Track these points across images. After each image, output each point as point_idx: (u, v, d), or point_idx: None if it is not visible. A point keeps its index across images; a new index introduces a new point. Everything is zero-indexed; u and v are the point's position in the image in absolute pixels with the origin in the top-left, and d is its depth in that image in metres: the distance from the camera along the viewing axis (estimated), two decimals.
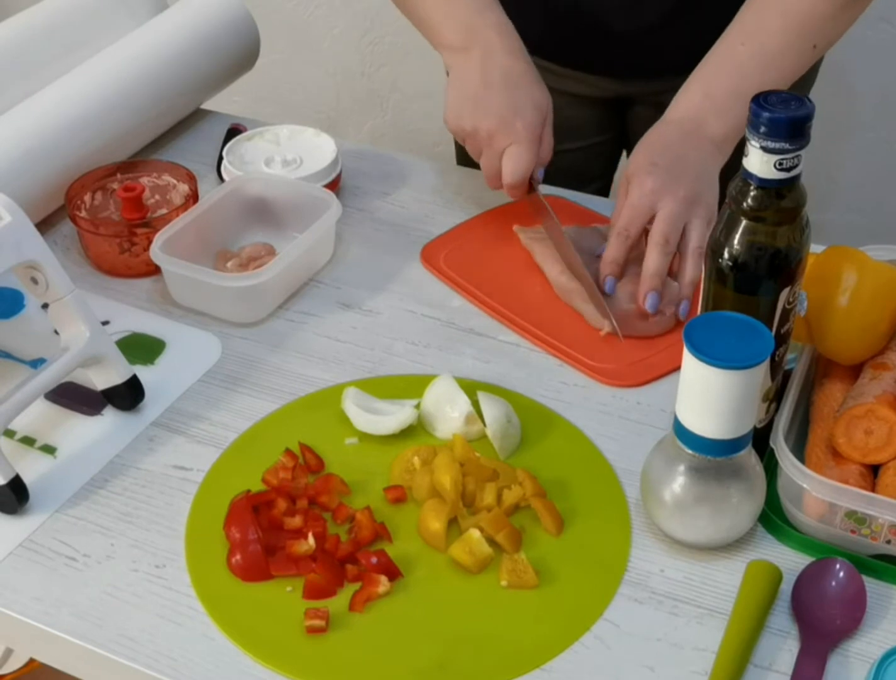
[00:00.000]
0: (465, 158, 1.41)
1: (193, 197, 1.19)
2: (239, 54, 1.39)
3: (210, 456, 0.97)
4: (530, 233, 1.18)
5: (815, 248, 0.91)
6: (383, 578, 0.85)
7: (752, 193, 0.83)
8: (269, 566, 0.87)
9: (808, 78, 1.34)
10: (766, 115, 0.80)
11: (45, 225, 1.20)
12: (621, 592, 0.86)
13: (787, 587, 0.85)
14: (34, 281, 0.95)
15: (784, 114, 0.80)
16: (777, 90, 0.82)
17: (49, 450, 0.98)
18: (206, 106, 1.42)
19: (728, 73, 1.12)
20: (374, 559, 0.86)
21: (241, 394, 1.03)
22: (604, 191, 1.51)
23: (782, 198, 0.83)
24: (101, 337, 0.98)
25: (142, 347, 1.07)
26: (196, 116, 1.40)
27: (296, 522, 0.89)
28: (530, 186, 1.14)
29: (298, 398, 1.02)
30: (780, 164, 0.81)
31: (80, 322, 0.96)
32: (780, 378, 0.92)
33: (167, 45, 1.31)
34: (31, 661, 1.53)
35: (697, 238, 1.08)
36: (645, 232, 1.09)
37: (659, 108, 1.17)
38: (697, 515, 0.86)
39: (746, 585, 0.85)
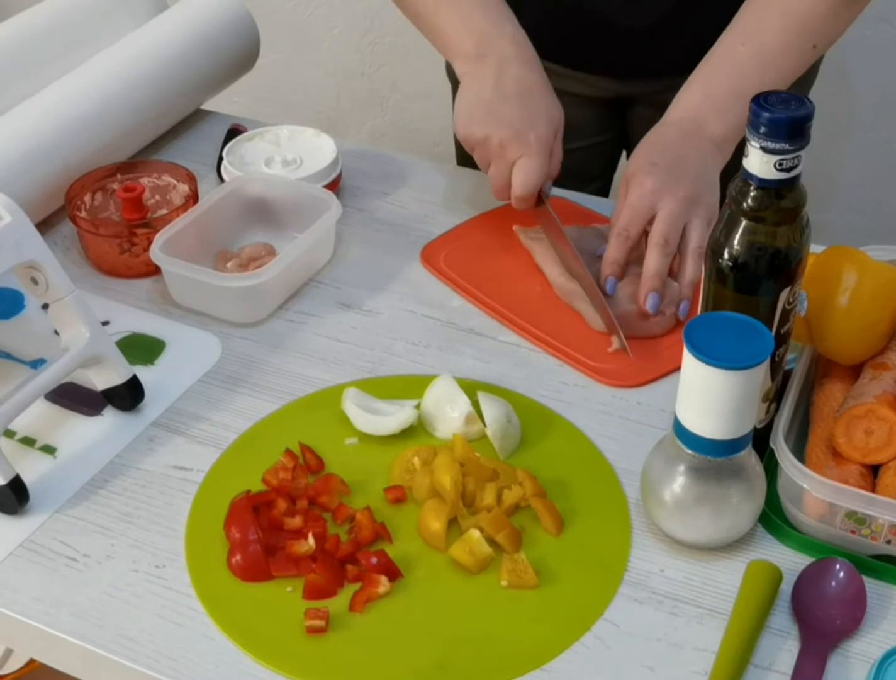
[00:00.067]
0: (465, 159, 1.41)
1: (193, 197, 1.19)
2: (239, 54, 1.39)
3: (210, 456, 0.97)
4: (530, 233, 1.18)
5: (815, 248, 0.91)
6: (383, 579, 0.85)
7: (752, 194, 0.83)
8: (269, 566, 0.87)
9: (807, 78, 1.34)
10: (766, 115, 0.80)
11: (45, 225, 1.20)
12: (621, 592, 0.86)
13: (787, 587, 0.85)
14: (34, 281, 0.95)
15: (784, 114, 0.80)
16: (777, 90, 0.82)
17: (49, 450, 0.98)
18: (206, 106, 1.42)
19: (728, 74, 1.12)
20: (374, 559, 0.86)
21: (242, 394, 1.03)
22: (604, 191, 1.51)
23: (782, 198, 0.83)
24: (102, 337, 0.98)
25: (142, 348, 1.07)
26: (196, 117, 1.40)
27: (296, 522, 0.89)
28: (538, 199, 1.14)
29: (298, 398, 1.02)
30: (780, 164, 0.81)
31: (80, 322, 0.96)
32: (780, 378, 0.92)
33: (167, 45, 1.31)
34: (31, 661, 1.53)
35: (697, 238, 1.08)
36: (645, 232, 1.09)
37: (659, 108, 1.17)
38: (697, 516, 0.86)
39: (746, 585, 0.85)
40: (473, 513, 0.90)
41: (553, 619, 0.84)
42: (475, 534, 0.87)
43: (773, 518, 0.89)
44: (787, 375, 0.93)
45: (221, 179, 1.26)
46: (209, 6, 1.35)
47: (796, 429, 0.92)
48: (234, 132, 1.34)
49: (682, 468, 0.85)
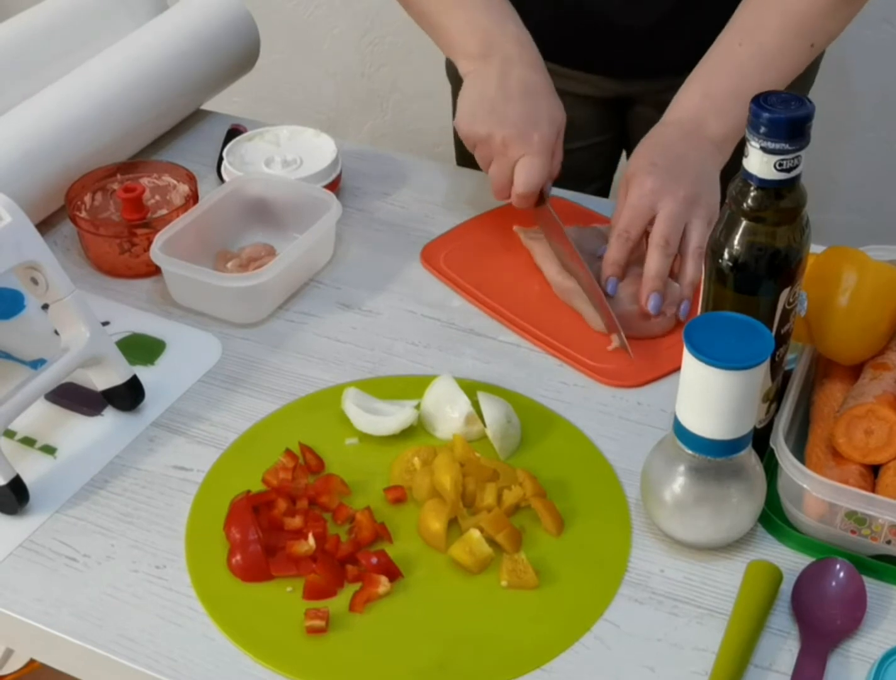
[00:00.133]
0: (465, 159, 1.41)
1: (193, 197, 1.19)
2: (239, 54, 1.39)
3: (210, 456, 0.97)
4: (531, 233, 1.18)
5: (815, 248, 0.91)
6: (383, 579, 0.85)
7: (751, 194, 0.83)
8: (269, 567, 0.87)
9: (807, 78, 1.34)
10: (766, 115, 0.80)
11: (45, 225, 1.20)
12: (621, 592, 0.86)
13: (787, 587, 0.85)
14: (34, 281, 0.95)
15: (784, 114, 0.80)
16: (777, 90, 0.82)
17: (49, 450, 0.98)
18: (206, 106, 1.42)
19: (727, 73, 1.12)
20: (374, 559, 0.86)
21: (242, 394, 1.03)
22: (604, 191, 1.51)
23: (782, 198, 0.83)
24: (102, 337, 0.98)
25: (142, 348, 1.07)
26: (196, 117, 1.40)
27: (296, 522, 0.89)
28: (539, 199, 1.14)
29: (298, 399, 1.02)
30: (780, 164, 0.81)
31: (80, 323, 0.96)
32: (780, 378, 0.92)
33: (167, 45, 1.31)
34: (32, 661, 1.53)
35: (698, 238, 1.08)
36: (646, 233, 1.09)
37: (659, 107, 1.17)
38: (697, 516, 0.86)
39: (746, 585, 0.85)
40: (473, 513, 0.90)
41: (553, 619, 0.84)
42: (475, 534, 0.87)
43: (773, 518, 0.89)
44: (787, 375, 0.93)
45: (221, 179, 1.26)
46: (209, 6, 1.35)
47: (796, 429, 0.92)
48: (234, 132, 1.34)
49: (682, 468, 0.85)
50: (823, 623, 0.83)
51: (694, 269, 1.07)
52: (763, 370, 0.83)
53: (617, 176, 1.51)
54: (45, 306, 0.97)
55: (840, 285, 0.92)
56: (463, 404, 0.97)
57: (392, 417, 0.97)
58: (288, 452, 0.95)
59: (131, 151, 1.29)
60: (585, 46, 1.32)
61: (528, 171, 1.11)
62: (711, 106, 1.11)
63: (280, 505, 0.90)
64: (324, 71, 2.45)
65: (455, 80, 1.44)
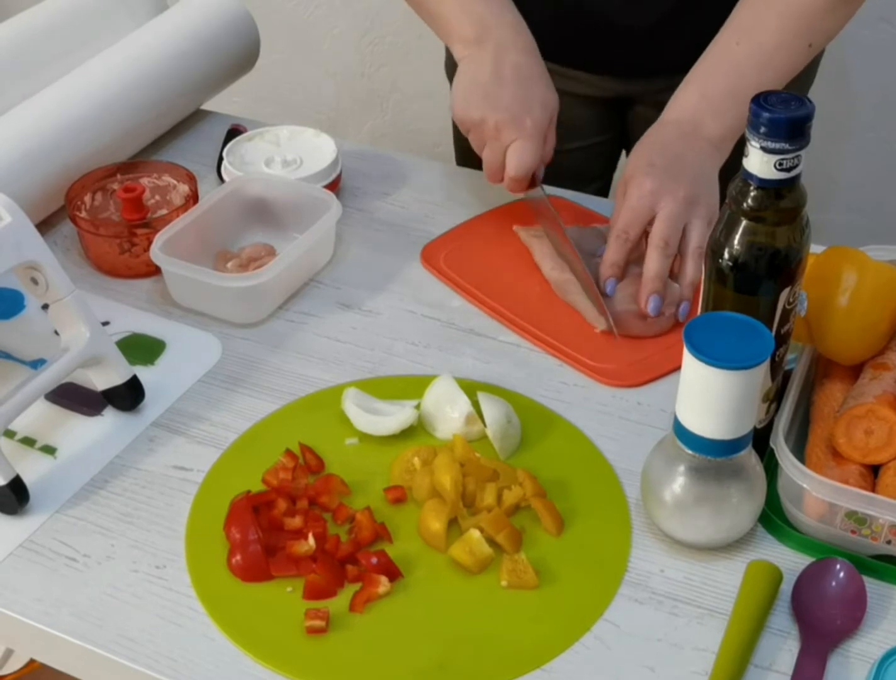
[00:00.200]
0: (465, 159, 1.41)
1: (193, 197, 1.19)
2: (239, 54, 1.39)
3: (210, 456, 0.97)
4: (531, 232, 1.18)
5: (815, 248, 0.91)
6: (383, 579, 0.85)
7: (751, 194, 0.83)
8: (269, 567, 0.87)
9: (806, 78, 1.34)
10: (765, 115, 0.80)
11: (45, 225, 1.20)
12: (621, 592, 0.86)
13: (787, 587, 0.85)
14: (34, 281, 0.95)
15: (784, 114, 0.80)
16: (777, 90, 0.82)
17: (49, 450, 0.98)
18: (206, 106, 1.42)
19: (725, 73, 1.12)
20: (374, 560, 0.86)
21: (242, 394, 1.03)
22: (604, 191, 1.51)
23: (782, 198, 0.83)
24: (102, 337, 0.98)
25: (142, 348, 1.07)
26: (196, 117, 1.40)
27: (296, 522, 0.89)
28: (531, 182, 1.15)
29: (298, 399, 1.02)
30: (780, 164, 0.81)
31: (80, 323, 0.96)
32: (780, 378, 0.92)
33: (167, 45, 1.31)
34: (32, 661, 1.53)
35: (697, 239, 1.08)
36: (645, 233, 1.09)
37: (659, 107, 1.17)
38: (697, 516, 0.86)
39: (746, 585, 0.85)
40: (473, 513, 0.90)
41: (553, 619, 0.84)
42: (475, 534, 0.87)
43: (773, 518, 0.89)
44: (787, 375, 0.93)
45: (221, 179, 1.26)
46: (209, 6, 1.35)
47: (796, 429, 0.92)
48: (234, 132, 1.34)
49: (682, 468, 0.85)
50: (823, 623, 0.82)
51: (694, 269, 1.07)
52: (763, 370, 0.83)
53: (617, 176, 1.51)
54: (45, 306, 0.97)
55: (840, 285, 0.92)
56: (463, 404, 0.97)
57: (392, 417, 0.97)
58: (288, 452, 0.95)
59: (131, 151, 1.29)
60: (585, 46, 1.32)
61: (521, 154, 1.11)
62: (709, 106, 1.12)
63: (280, 505, 0.90)
64: (324, 71, 2.45)
65: (454, 77, 1.44)
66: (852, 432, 0.88)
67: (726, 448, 0.84)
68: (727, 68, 1.12)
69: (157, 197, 1.21)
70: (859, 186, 2.17)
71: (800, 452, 0.91)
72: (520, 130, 1.11)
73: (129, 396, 1.00)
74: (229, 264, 1.14)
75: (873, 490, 0.86)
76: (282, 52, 2.39)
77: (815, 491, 0.85)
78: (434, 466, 0.92)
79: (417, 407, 0.98)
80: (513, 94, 1.12)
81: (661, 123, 1.14)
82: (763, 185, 0.82)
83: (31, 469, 0.95)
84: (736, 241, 0.85)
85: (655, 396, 1.02)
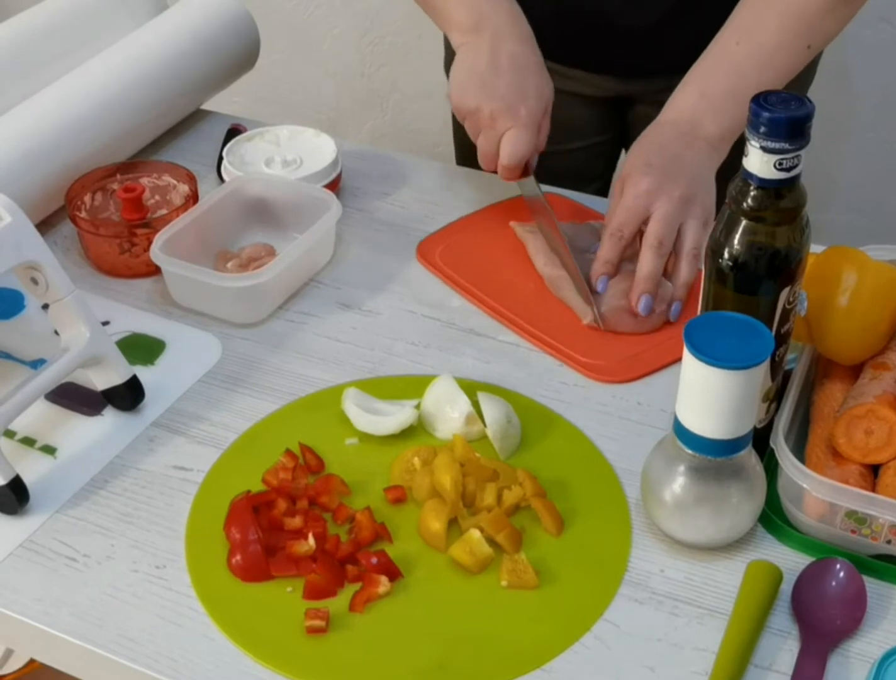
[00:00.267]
0: (465, 158, 1.41)
1: (193, 197, 1.19)
2: (239, 54, 1.39)
3: (210, 456, 0.97)
4: (526, 227, 1.18)
5: (815, 248, 0.91)
6: (383, 579, 0.85)
7: (751, 193, 0.83)
8: (269, 567, 0.87)
9: (806, 78, 1.34)
10: (765, 115, 0.80)
11: (45, 225, 1.20)
12: (621, 592, 0.86)
13: (787, 587, 0.85)
14: (34, 281, 0.95)
15: (784, 114, 0.80)
16: (777, 90, 0.82)
17: (49, 450, 0.98)
18: (206, 106, 1.42)
19: (724, 73, 1.12)
20: (374, 559, 0.86)
21: (242, 394, 1.03)
22: (604, 191, 1.51)
23: (782, 198, 0.83)
24: (102, 337, 0.98)
25: (142, 348, 1.07)
26: (196, 117, 1.40)
27: (296, 522, 0.89)
28: (525, 171, 1.15)
29: (298, 399, 1.02)
30: (780, 164, 0.81)
31: (80, 323, 0.96)
32: (780, 378, 0.92)
33: (167, 45, 1.31)
34: (32, 661, 1.53)
35: (692, 239, 1.08)
36: (640, 232, 1.09)
37: (659, 107, 1.17)
38: (697, 516, 0.86)
39: (747, 585, 0.85)
40: (473, 513, 0.90)
41: (553, 619, 0.84)
42: (475, 534, 0.87)
43: (773, 518, 0.89)
44: (787, 375, 0.93)
45: (221, 179, 1.26)
46: (209, 6, 1.35)
47: (796, 429, 0.92)
48: (234, 132, 1.34)
49: (682, 468, 0.85)
50: (823, 623, 0.82)
51: (687, 270, 1.08)
52: (763, 370, 0.83)
53: (617, 176, 1.51)
54: (45, 306, 0.97)
55: (840, 285, 0.92)
56: (463, 404, 0.97)
57: (392, 417, 0.97)
58: (288, 452, 0.95)
59: (131, 151, 1.29)
60: (585, 46, 1.32)
61: (514, 143, 1.12)
62: (708, 106, 1.12)
63: (280, 505, 0.90)
64: (324, 71, 2.45)
65: (452, 65, 1.44)
66: (852, 432, 0.88)
67: (726, 448, 0.84)
68: (727, 68, 1.12)
69: (157, 197, 1.21)
70: (859, 186, 2.17)
71: (800, 452, 0.91)
72: (514, 119, 1.12)
73: (129, 395, 1.00)
74: (229, 264, 1.14)
75: (873, 490, 0.86)
76: (282, 52, 2.39)
77: (815, 491, 0.85)
78: (434, 466, 0.92)
79: (417, 407, 0.98)
80: (508, 83, 1.13)
81: (659, 123, 1.14)
82: (763, 185, 0.82)
83: (31, 469, 0.95)
84: (736, 241, 0.85)
85: (655, 396, 1.02)
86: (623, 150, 1.51)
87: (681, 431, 0.84)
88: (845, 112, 2.09)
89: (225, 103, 1.45)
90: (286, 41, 2.40)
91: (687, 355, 0.81)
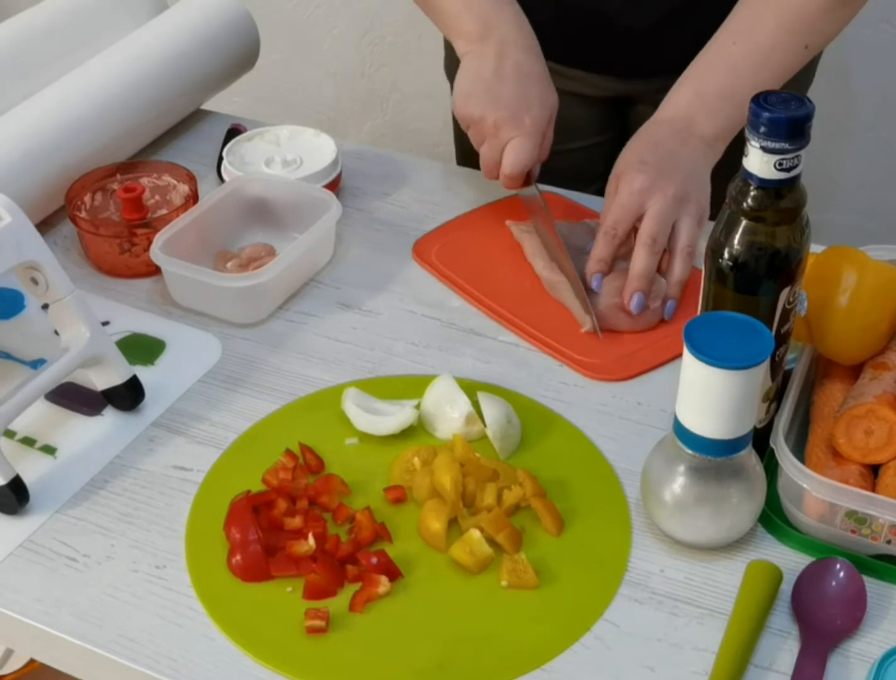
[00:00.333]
0: (465, 158, 1.41)
1: (193, 197, 1.19)
2: (239, 54, 1.39)
3: (210, 456, 0.97)
4: (523, 227, 1.18)
5: (815, 248, 0.91)
6: (383, 579, 0.85)
7: (751, 193, 0.83)
8: (269, 567, 0.87)
9: (806, 78, 1.34)
10: (765, 115, 0.80)
11: (45, 226, 1.20)
12: (621, 592, 0.86)
13: (787, 587, 0.85)
14: (34, 281, 0.95)
15: (784, 114, 0.80)
16: (777, 90, 0.82)
17: (49, 450, 0.98)
18: (206, 106, 1.42)
19: (721, 72, 1.12)
20: (374, 559, 0.86)
21: (242, 394, 1.03)
22: (604, 191, 1.51)
23: (782, 198, 0.83)
24: (102, 337, 0.98)
25: (142, 348, 1.07)
26: (196, 117, 1.40)
27: (296, 522, 0.89)
28: (527, 180, 1.15)
29: (298, 399, 1.02)
30: (780, 164, 0.81)
31: (80, 323, 0.96)
32: (780, 378, 0.92)
33: (167, 45, 1.31)
34: (32, 661, 1.53)
35: (686, 237, 1.08)
36: (634, 229, 1.09)
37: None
38: (697, 516, 0.86)
39: (747, 585, 0.85)
40: (473, 513, 0.90)
41: (553, 619, 0.84)
42: (475, 534, 0.87)
43: (773, 518, 0.89)
44: (787, 375, 0.93)
45: (221, 179, 1.26)
46: (209, 6, 1.35)
47: (796, 429, 0.92)
48: (234, 132, 1.34)
49: (682, 468, 0.85)
50: (823, 623, 0.82)
51: (681, 268, 1.08)
52: (763, 370, 0.83)
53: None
54: (45, 306, 0.97)
55: (840, 285, 0.92)
56: (463, 404, 0.97)
57: (392, 417, 0.97)
58: (288, 452, 0.95)
59: (131, 151, 1.29)
60: (585, 46, 1.32)
61: (517, 152, 1.12)
62: (702, 105, 1.12)
63: (280, 505, 0.90)
64: (324, 71, 2.45)
65: (454, 78, 1.44)
66: (852, 432, 0.88)
67: (726, 448, 0.84)
68: (723, 67, 1.12)
69: (157, 197, 1.21)
70: (859, 186, 2.17)
71: (800, 452, 0.91)
72: (518, 128, 1.12)
73: (129, 395, 1.00)
74: (229, 264, 1.14)
75: (873, 490, 0.86)
76: (282, 52, 2.39)
77: (815, 491, 0.85)
78: (434, 466, 0.92)
79: (417, 407, 0.98)
80: (513, 92, 1.13)
81: (655, 121, 1.14)
82: (763, 185, 0.82)
83: (31, 469, 0.95)
84: (736, 241, 0.85)
85: (655, 396, 1.02)
86: None
87: (681, 431, 0.84)
88: (845, 112, 2.09)
89: (225, 103, 1.45)
90: (286, 41, 2.40)
91: (687, 355, 0.81)
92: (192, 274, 1.08)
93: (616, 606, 0.85)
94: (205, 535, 0.90)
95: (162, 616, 0.85)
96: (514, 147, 1.12)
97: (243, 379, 1.04)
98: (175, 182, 1.22)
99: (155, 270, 1.13)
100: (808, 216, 0.86)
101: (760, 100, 0.81)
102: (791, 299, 0.87)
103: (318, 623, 0.83)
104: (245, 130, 1.33)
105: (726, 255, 0.85)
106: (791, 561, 0.87)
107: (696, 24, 1.21)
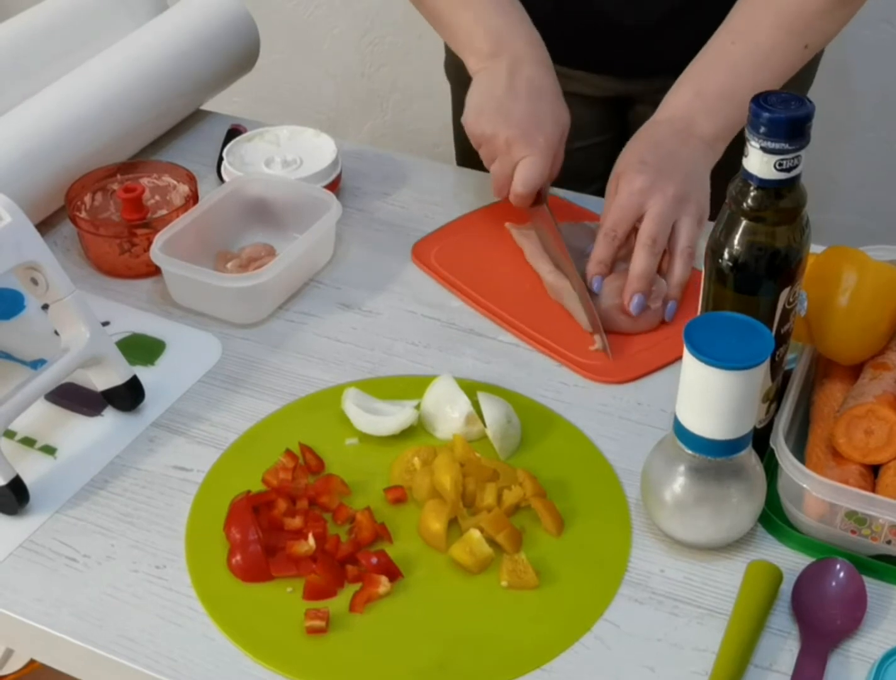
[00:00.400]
0: (465, 159, 1.41)
1: (193, 198, 1.19)
2: (239, 54, 1.39)
3: (210, 457, 0.97)
4: (522, 229, 1.18)
5: (815, 248, 0.91)
6: (383, 579, 0.85)
7: (751, 194, 0.83)
8: (269, 567, 0.87)
9: (806, 78, 1.34)
10: (765, 115, 0.80)
11: (45, 226, 1.20)
12: (621, 592, 0.86)
13: (787, 587, 0.85)
14: (34, 282, 0.95)
15: (784, 114, 0.80)
16: (777, 90, 0.82)
17: (49, 451, 0.98)
18: (206, 106, 1.42)
19: (720, 72, 1.12)
20: (374, 560, 0.86)
21: (242, 394, 1.03)
22: (604, 191, 1.51)
23: (782, 198, 0.83)
24: (102, 338, 0.98)
25: (142, 348, 1.07)
26: (196, 117, 1.40)
27: (296, 522, 0.89)
28: (536, 198, 1.14)
29: (299, 399, 1.02)
30: (780, 164, 0.81)
31: (80, 323, 0.96)
32: (780, 378, 0.92)
33: (167, 45, 1.31)
34: (32, 661, 1.53)
35: (687, 237, 1.08)
36: (634, 229, 1.09)
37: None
38: (697, 516, 0.86)
39: (747, 585, 0.85)
40: (474, 513, 0.90)
41: (553, 619, 0.84)
42: (475, 534, 0.87)
43: (774, 518, 0.89)
44: (787, 375, 0.93)
45: (221, 180, 1.26)
46: (209, 6, 1.35)
47: (796, 429, 0.92)
48: (234, 132, 1.34)
49: (682, 468, 0.85)
50: (823, 623, 0.82)
51: (682, 269, 1.07)
52: (763, 370, 0.83)
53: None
54: (45, 306, 0.97)
55: (840, 285, 0.92)
56: (463, 404, 0.97)
57: (392, 417, 0.97)
58: (288, 452, 0.95)
59: (131, 151, 1.29)
60: (585, 46, 1.32)
61: (529, 170, 1.11)
62: (702, 105, 1.12)
63: (280, 505, 0.90)
64: (324, 71, 2.45)
65: (455, 79, 1.44)
66: (852, 432, 0.88)
67: (726, 448, 0.84)
68: (722, 68, 1.12)
69: (157, 197, 1.22)
70: (859, 186, 2.17)
71: (800, 452, 0.91)
72: (531, 147, 1.11)
73: (129, 396, 1.00)
74: (229, 264, 1.14)
75: (873, 490, 0.86)
76: (282, 52, 2.39)
77: (815, 491, 0.85)
78: (434, 466, 0.92)
79: (417, 407, 0.98)
80: (525, 110, 1.12)
81: (654, 122, 1.14)
82: (763, 185, 0.82)
83: (31, 469, 0.95)
84: (736, 241, 0.85)
85: (655, 396, 1.02)
86: None
87: (681, 431, 0.84)
88: (845, 112, 2.09)
89: (225, 103, 1.45)
90: (286, 41, 2.40)
91: (687, 355, 0.81)
92: (192, 274, 1.08)
93: (616, 606, 0.85)
94: (205, 535, 0.90)
95: (162, 616, 0.85)
96: (527, 165, 1.11)
97: (243, 379, 1.04)
98: (175, 182, 1.22)
99: (155, 271, 1.13)
100: (808, 216, 0.86)
101: (760, 100, 0.81)
102: (791, 299, 0.87)
103: (318, 623, 0.83)
104: (245, 131, 1.33)
105: (726, 256, 0.85)
106: (791, 561, 0.87)
107: (696, 24, 1.21)
